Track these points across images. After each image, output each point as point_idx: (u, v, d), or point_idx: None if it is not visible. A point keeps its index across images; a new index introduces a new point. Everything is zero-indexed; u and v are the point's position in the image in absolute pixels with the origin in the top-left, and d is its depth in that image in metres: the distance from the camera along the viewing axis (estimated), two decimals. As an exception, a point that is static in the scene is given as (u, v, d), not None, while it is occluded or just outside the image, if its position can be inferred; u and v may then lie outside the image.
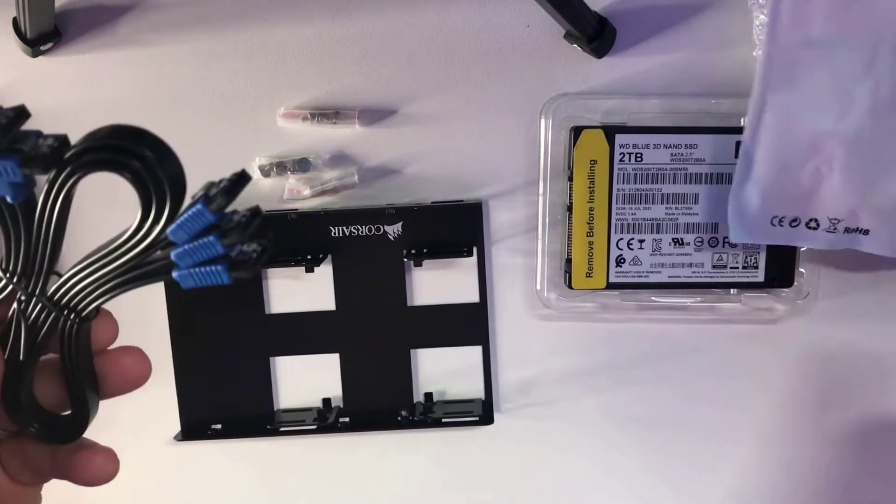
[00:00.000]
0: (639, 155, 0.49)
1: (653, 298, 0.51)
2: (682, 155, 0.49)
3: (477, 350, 0.53)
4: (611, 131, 0.48)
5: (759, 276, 0.50)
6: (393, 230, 0.52)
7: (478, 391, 0.54)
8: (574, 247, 0.50)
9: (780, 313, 0.52)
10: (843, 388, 0.53)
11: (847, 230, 0.47)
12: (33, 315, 0.26)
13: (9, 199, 0.24)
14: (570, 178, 0.49)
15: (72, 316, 0.25)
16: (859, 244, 0.47)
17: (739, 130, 0.46)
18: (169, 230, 0.22)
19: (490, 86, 0.50)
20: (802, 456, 0.54)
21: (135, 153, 0.22)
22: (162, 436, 0.55)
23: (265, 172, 0.51)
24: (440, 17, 0.50)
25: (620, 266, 0.50)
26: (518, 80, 0.50)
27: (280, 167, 0.51)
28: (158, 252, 0.23)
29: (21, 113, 0.23)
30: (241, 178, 0.23)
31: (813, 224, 0.47)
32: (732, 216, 0.47)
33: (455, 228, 0.52)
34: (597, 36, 0.48)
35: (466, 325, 0.53)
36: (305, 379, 0.54)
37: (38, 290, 0.25)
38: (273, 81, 0.51)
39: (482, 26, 0.50)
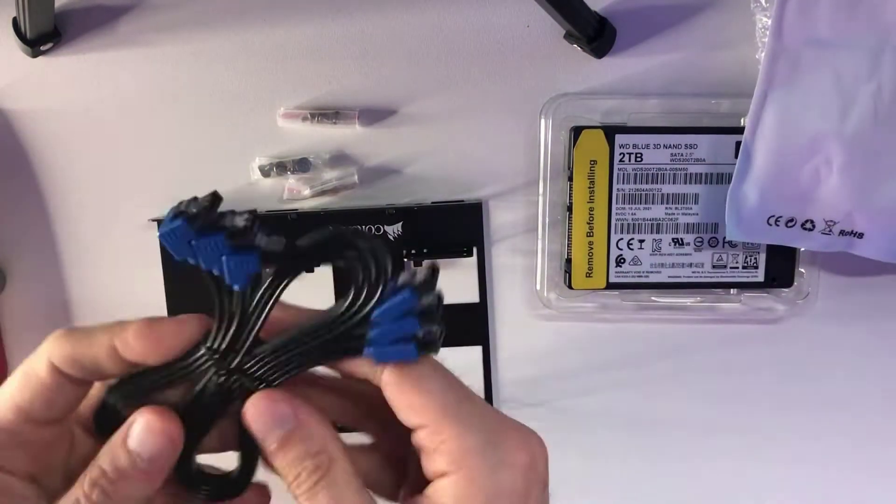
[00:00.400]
0: (639, 155, 0.49)
1: (653, 298, 0.51)
2: (682, 155, 0.49)
3: (477, 350, 0.53)
4: (611, 131, 0.48)
5: (759, 276, 0.50)
6: (393, 230, 0.52)
7: (478, 391, 0.54)
8: (574, 247, 0.50)
9: (780, 313, 0.52)
10: (843, 389, 0.53)
11: (842, 233, 0.47)
12: (226, 387, 0.27)
13: (236, 287, 0.26)
14: (570, 178, 0.49)
15: (262, 386, 0.27)
16: (854, 248, 0.47)
17: (740, 130, 0.46)
18: (376, 313, 0.24)
19: (490, 86, 0.50)
20: (802, 455, 0.54)
21: (351, 244, 0.24)
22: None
23: (265, 172, 0.51)
24: (440, 17, 0.50)
25: (620, 266, 0.50)
26: (518, 80, 0.50)
27: (280, 167, 0.51)
28: (348, 333, 0.25)
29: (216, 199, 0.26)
30: (435, 273, 0.25)
31: (809, 225, 0.47)
32: (729, 214, 0.47)
33: (455, 228, 0.52)
34: (597, 36, 0.48)
35: (466, 325, 0.53)
36: (305, 379, 0.54)
37: (238, 366, 0.27)
38: (273, 81, 0.51)
39: (482, 26, 0.50)
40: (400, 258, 0.24)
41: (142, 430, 0.26)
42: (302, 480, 0.25)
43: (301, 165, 0.51)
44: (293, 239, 0.26)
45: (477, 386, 0.54)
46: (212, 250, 0.25)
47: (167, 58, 0.51)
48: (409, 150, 0.51)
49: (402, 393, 0.26)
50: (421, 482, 0.27)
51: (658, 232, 0.49)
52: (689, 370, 0.54)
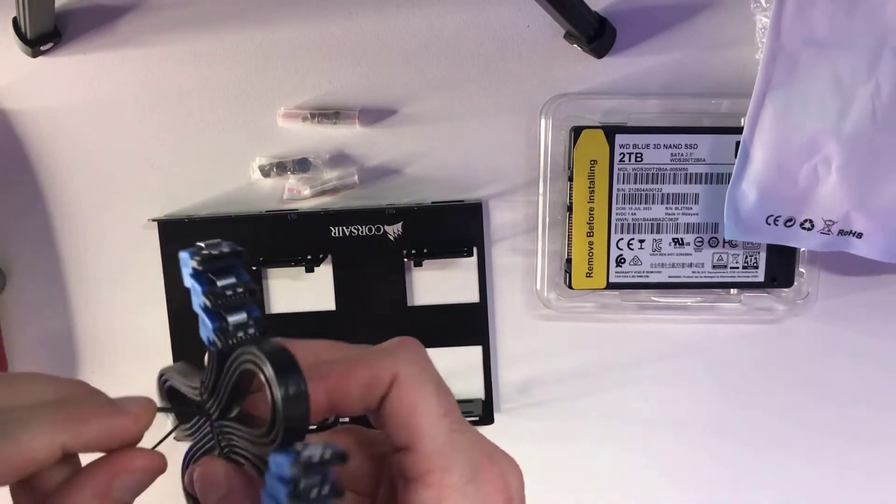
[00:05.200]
0: (639, 155, 0.49)
1: (653, 298, 0.51)
2: (682, 155, 0.49)
3: (477, 350, 0.53)
4: (611, 131, 0.48)
5: (760, 276, 0.50)
6: (393, 230, 0.52)
7: (478, 391, 0.54)
8: (574, 247, 0.50)
9: (780, 313, 0.52)
10: (843, 389, 0.53)
11: (841, 232, 0.47)
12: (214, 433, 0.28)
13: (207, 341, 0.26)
14: (570, 178, 0.49)
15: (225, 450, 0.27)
16: (853, 247, 0.47)
17: (739, 130, 0.46)
18: (270, 458, 0.23)
19: (490, 86, 0.50)
20: (802, 455, 0.54)
21: (282, 386, 0.23)
22: (162, 436, 0.55)
23: (265, 172, 0.51)
24: (440, 17, 0.50)
25: (620, 266, 0.50)
26: (518, 80, 0.50)
27: (280, 167, 0.51)
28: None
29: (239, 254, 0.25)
30: (333, 459, 0.23)
31: (808, 224, 0.47)
32: (728, 213, 0.47)
33: (455, 228, 0.52)
34: (597, 36, 0.48)
35: (466, 325, 0.53)
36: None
37: (217, 419, 0.27)
38: (273, 81, 0.51)
39: (482, 26, 0.50)
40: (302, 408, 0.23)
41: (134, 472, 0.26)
42: None
43: (301, 165, 0.51)
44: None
45: (477, 386, 0.54)
46: (195, 296, 0.25)
47: (167, 58, 0.51)
48: (409, 150, 0.51)
49: (401, 409, 0.25)
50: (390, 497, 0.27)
51: (658, 232, 0.49)
52: (690, 370, 0.54)
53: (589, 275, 0.50)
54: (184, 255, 0.25)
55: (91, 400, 0.25)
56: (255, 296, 0.25)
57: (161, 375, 0.30)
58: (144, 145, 0.52)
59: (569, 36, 0.49)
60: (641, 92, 0.50)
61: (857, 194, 0.46)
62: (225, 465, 0.27)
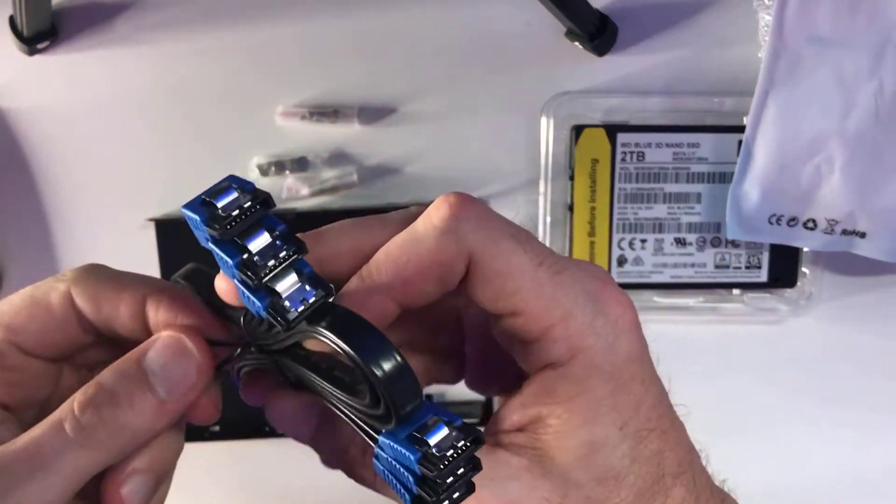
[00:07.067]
0: (641, 154, 0.48)
1: (654, 299, 0.51)
2: (684, 154, 0.48)
3: (477, 351, 0.53)
4: (612, 130, 0.48)
5: (762, 276, 0.50)
6: (393, 230, 0.52)
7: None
8: (575, 247, 0.49)
9: (783, 314, 0.51)
10: (846, 389, 0.53)
11: (844, 232, 0.47)
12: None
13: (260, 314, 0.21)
14: (572, 178, 0.49)
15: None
16: (856, 247, 0.47)
17: (742, 129, 0.46)
18: (381, 438, 0.20)
19: (490, 84, 0.50)
20: (805, 456, 0.54)
21: (376, 368, 0.19)
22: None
23: (263, 171, 0.51)
24: (440, 15, 0.50)
25: (622, 266, 0.50)
26: (519, 78, 0.50)
27: (278, 166, 0.51)
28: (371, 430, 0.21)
29: (265, 201, 0.21)
30: (476, 442, 0.20)
31: (811, 224, 0.47)
32: (730, 213, 0.47)
33: (455, 228, 0.51)
34: (598, 34, 0.48)
35: (467, 325, 0.53)
36: (304, 380, 0.54)
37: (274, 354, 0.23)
38: (271, 79, 0.51)
39: (482, 24, 0.50)
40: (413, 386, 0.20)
41: (165, 348, 0.22)
42: None
43: (300, 164, 0.51)
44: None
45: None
46: (224, 266, 0.21)
47: (164, 56, 0.51)
48: (408, 148, 0.51)
49: (492, 282, 0.22)
50: (504, 371, 0.25)
51: (660, 231, 0.49)
52: (691, 371, 0.53)
53: (590, 275, 0.50)
54: (193, 218, 0.20)
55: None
56: (300, 249, 0.20)
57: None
58: (141, 144, 0.52)
59: (570, 34, 0.49)
60: (643, 90, 0.49)
61: (860, 194, 0.45)
62: (297, 400, 0.23)
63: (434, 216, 0.23)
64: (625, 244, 0.49)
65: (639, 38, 0.49)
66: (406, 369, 0.19)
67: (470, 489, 0.20)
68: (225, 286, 0.22)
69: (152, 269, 0.52)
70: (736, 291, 0.51)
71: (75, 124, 0.52)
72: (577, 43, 0.49)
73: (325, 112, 0.50)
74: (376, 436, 0.20)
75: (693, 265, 0.50)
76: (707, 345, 0.53)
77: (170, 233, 0.51)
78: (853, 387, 0.53)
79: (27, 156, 0.52)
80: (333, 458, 0.25)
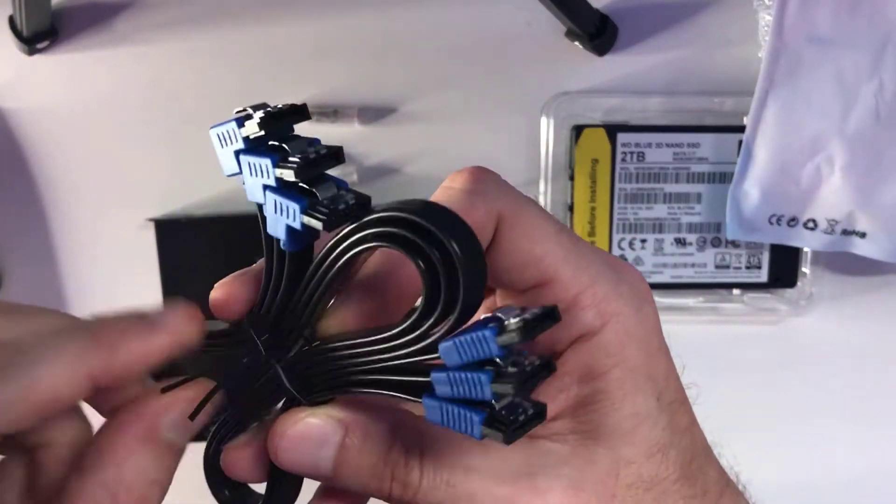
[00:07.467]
0: (641, 154, 0.48)
1: (655, 299, 0.51)
2: (684, 154, 0.48)
3: (477, 351, 0.53)
4: (613, 130, 0.48)
5: (763, 276, 0.50)
6: (393, 230, 0.51)
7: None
8: (575, 247, 0.49)
9: (783, 314, 0.51)
10: (846, 389, 0.53)
11: (844, 232, 0.47)
12: (262, 384, 0.22)
13: (281, 245, 0.20)
14: (572, 178, 0.49)
15: (303, 401, 0.21)
16: (856, 247, 0.47)
17: (742, 129, 0.46)
18: (442, 345, 0.17)
19: (490, 84, 0.50)
20: (806, 456, 0.54)
21: (441, 244, 0.17)
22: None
23: (264, 172, 0.51)
24: (440, 15, 0.50)
25: (622, 266, 0.50)
26: (519, 78, 0.50)
27: (279, 166, 0.51)
28: (419, 365, 0.19)
29: (335, 155, 0.20)
30: (550, 316, 0.17)
31: (811, 224, 0.47)
32: (730, 213, 0.47)
33: (455, 228, 0.51)
34: (598, 34, 0.48)
35: (467, 325, 0.53)
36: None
37: (282, 360, 0.21)
38: (270, 79, 0.51)
39: (482, 24, 0.50)
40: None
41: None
42: None
43: (300, 164, 0.51)
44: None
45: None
46: (257, 174, 0.19)
47: (164, 56, 0.51)
48: (408, 148, 0.51)
49: (521, 249, 0.21)
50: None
51: (660, 232, 0.49)
52: (691, 371, 0.53)
53: (590, 275, 0.50)
54: (265, 161, 0.18)
55: (118, 319, 0.20)
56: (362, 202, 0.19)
57: None
58: (141, 144, 0.52)
59: (570, 33, 0.49)
60: (643, 90, 0.49)
61: (860, 193, 0.45)
62: (318, 416, 0.21)
63: (456, 183, 0.23)
64: (625, 244, 0.49)
65: (639, 38, 0.49)
66: (481, 251, 0.17)
67: (549, 371, 0.17)
68: (221, 294, 0.21)
69: (152, 268, 0.52)
70: (736, 291, 0.51)
71: (75, 124, 0.52)
72: (577, 43, 0.49)
73: (325, 112, 0.50)
74: (426, 379, 0.18)
75: (693, 265, 0.50)
76: (707, 345, 0.53)
77: (170, 233, 0.51)
78: (853, 386, 0.53)
79: (27, 156, 0.52)
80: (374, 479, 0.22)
